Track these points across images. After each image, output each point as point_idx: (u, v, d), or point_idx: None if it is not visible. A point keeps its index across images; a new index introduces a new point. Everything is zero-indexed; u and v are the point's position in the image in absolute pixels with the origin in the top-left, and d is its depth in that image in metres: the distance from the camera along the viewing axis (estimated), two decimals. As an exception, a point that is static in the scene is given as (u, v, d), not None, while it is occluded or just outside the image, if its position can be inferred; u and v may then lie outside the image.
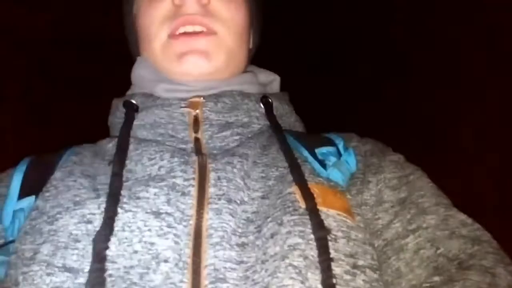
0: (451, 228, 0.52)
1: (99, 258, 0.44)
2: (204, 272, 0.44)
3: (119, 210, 0.48)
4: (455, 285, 0.46)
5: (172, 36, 0.63)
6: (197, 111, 0.60)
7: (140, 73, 0.67)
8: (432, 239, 0.51)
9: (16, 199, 0.54)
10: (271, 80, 0.73)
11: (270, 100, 0.64)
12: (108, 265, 0.45)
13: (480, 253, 0.49)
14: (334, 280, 0.44)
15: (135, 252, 0.46)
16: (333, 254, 0.46)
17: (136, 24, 0.68)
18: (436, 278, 0.48)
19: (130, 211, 0.48)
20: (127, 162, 0.54)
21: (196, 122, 0.60)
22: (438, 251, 0.50)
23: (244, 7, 0.67)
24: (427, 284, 0.48)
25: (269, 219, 0.48)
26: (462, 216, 0.54)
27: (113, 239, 0.46)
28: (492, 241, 0.52)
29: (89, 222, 0.47)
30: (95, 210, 0.48)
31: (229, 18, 0.64)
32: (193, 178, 0.51)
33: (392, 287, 0.50)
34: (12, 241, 0.52)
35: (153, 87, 0.64)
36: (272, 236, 0.47)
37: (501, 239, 0.52)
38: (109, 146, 0.59)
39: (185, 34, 0.62)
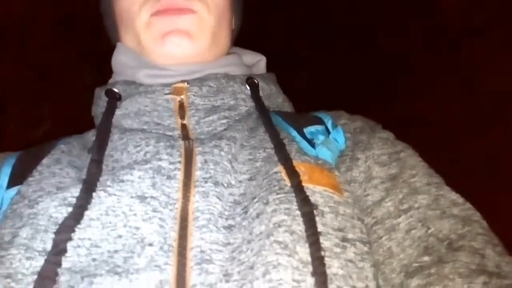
0: (442, 208, 0.52)
1: (57, 250, 0.43)
2: (190, 254, 0.44)
3: (102, 193, 0.47)
4: (445, 266, 0.46)
5: (154, 14, 0.61)
6: (182, 96, 0.59)
7: (121, 60, 0.66)
8: (423, 219, 0.51)
9: (5, 188, 0.54)
10: (257, 61, 0.72)
11: (255, 81, 0.63)
12: (92, 249, 0.44)
13: (470, 234, 0.49)
14: (322, 253, 0.43)
15: (119, 236, 0.45)
16: (321, 228, 0.45)
17: (113, 8, 0.67)
18: (426, 258, 0.48)
19: (114, 195, 0.47)
20: (112, 152, 0.54)
21: (181, 108, 0.59)
22: (429, 231, 0.50)
23: None
24: (417, 264, 0.48)
25: (255, 200, 0.48)
26: (454, 196, 0.53)
27: (95, 223, 0.45)
28: (482, 221, 0.51)
29: (70, 205, 0.46)
30: (77, 194, 0.47)
31: None
32: (179, 162, 0.50)
33: (383, 267, 0.50)
34: None
35: (135, 74, 0.63)
36: (257, 215, 0.46)
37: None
38: (94, 138, 0.57)
39: (166, 11, 0.61)
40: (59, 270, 0.42)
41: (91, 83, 0.68)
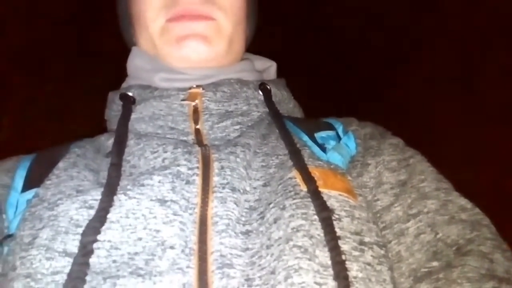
0: (451, 213, 0.52)
1: (85, 251, 0.44)
2: (211, 258, 0.44)
3: (122, 197, 0.47)
4: (453, 271, 0.47)
5: (170, 20, 0.62)
6: (197, 101, 0.60)
7: (136, 63, 0.66)
8: (432, 224, 0.51)
9: (20, 191, 0.54)
10: (268, 67, 0.73)
11: (268, 87, 0.64)
12: (112, 251, 0.44)
13: (478, 238, 0.50)
14: (343, 257, 0.44)
15: (139, 239, 0.45)
16: (338, 232, 0.45)
17: (130, 11, 0.67)
18: (435, 263, 0.49)
19: (134, 198, 0.47)
20: (129, 158, 0.54)
21: (195, 112, 0.59)
22: (437, 236, 0.51)
23: None
24: (426, 269, 0.49)
25: (271, 205, 0.48)
26: (462, 201, 0.54)
27: (115, 226, 0.46)
28: (490, 226, 0.52)
29: (91, 207, 0.47)
30: (98, 196, 0.48)
31: (228, 5, 0.64)
32: (197, 167, 0.51)
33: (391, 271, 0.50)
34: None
35: (150, 77, 0.63)
36: (275, 221, 0.46)
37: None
38: (109, 142, 0.57)
39: (184, 16, 0.61)
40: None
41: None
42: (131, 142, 0.55)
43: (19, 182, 0.55)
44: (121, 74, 0.69)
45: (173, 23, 0.62)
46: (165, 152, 0.53)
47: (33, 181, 0.54)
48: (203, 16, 0.62)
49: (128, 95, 0.62)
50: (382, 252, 0.48)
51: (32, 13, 1.11)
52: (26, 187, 0.54)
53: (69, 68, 1.15)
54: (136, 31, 0.67)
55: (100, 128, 0.67)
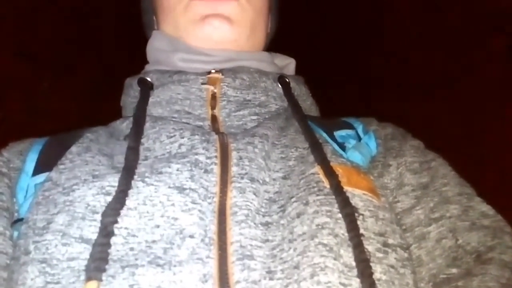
0: (472, 219, 0.52)
1: (106, 232, 0.42)
2: (231, 248, 0.43)
3: (140, 184, 0.46)
4: (473, 279, 0.46)
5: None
6: (215, 88, 0.59)
7: (155, 46, 0.67)
8: (453, 229, 0.51)
9: (30, 175, 0.53)
10: (287, 64, 0.72)
11: (287, 80, 0.63)
12: (129, 238, 0.43)
13: (500, 246, 0.49)
14: (367, 254, 0.43)
15: (157, 226, 0.44)
16: (362, 232, 0.44)
17: (154, 1, 0.68)
18: (454, 270, 0.48)
19: (152, 185, 0.46)
20: (143, 140, 0.53)
21: (213, 98, 0.59)
22: (458, 242, 0.50)
23: None
24: (445, 276, 0.48)
25: (293, 199, 0.47)
26: (484, 208, 0.53)
27: (132, 213, 0.44)
28: None
29: (108, 194, 0.45)
30: (115, 183, 0.46)
31: None
32: (216, 156, 0.49)
33: None
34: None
35: (169, 58, 0.63)
36: (298, 215, 0.45)
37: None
38: (123, 125, 0.57)
39: None
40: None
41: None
42: (146, 125, 0.54)
43: (30, 165, 0.54)
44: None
45: (197, 1, 0.62)
46: (182, 138, 0.52)
47: (44, 165, 0.53)
48: None
49: (146, 80, 0.61)
50: (406, 255, 0.47)
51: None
52: (37, 171, 0.53)
53: (68, 64, 1.14)
54: (159, 16, 0.67)
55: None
